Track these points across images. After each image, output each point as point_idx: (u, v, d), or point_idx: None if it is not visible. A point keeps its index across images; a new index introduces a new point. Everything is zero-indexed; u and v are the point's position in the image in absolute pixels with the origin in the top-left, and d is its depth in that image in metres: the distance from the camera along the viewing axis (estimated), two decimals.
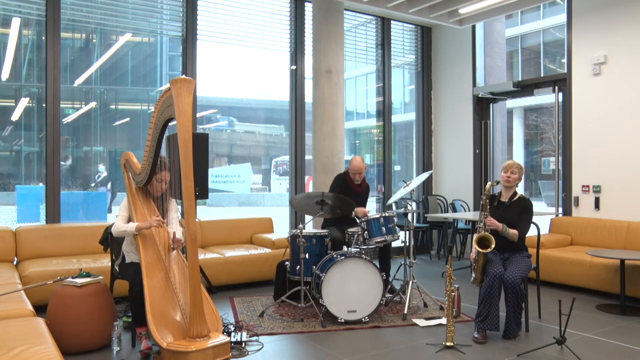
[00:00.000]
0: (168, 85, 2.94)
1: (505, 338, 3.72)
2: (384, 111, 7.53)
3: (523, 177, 4.05)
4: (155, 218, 3.42)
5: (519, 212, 3.91)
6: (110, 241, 3.79)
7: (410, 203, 4.73)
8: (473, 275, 3.87)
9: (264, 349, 3.53)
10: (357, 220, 4.64)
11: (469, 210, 7.17)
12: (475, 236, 3.78)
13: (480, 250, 3.70)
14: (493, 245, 3.67)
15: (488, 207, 3.85)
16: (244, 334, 3.68)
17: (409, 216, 4.59)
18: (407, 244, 4.64)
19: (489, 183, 3.88)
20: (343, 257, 4.13)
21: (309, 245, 4.46)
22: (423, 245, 7.74)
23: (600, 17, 5.75)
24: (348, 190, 4.90)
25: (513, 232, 3.85)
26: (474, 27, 7.29)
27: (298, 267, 4.38)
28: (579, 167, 5.97)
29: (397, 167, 8.28)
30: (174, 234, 3.47)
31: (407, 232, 4.64)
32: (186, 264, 3.08)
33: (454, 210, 7.23)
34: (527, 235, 3.99)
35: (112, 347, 3.41)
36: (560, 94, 6.31)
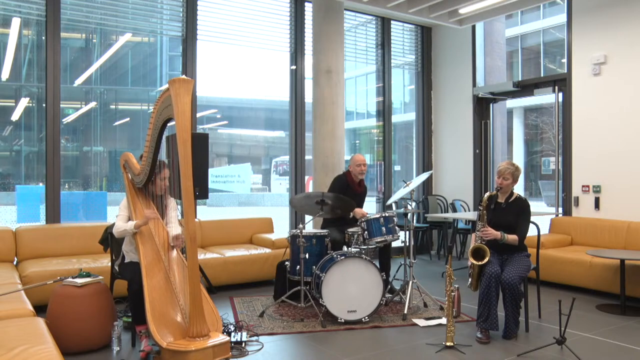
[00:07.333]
0: (167, 85, 2.93)
1: (505, 338, 3.72)
2: (384, 111, 7.53)
3: (523, 177, 4.02)
4: (149, 211, 3.42)
5: (516, 214, 3.87)
6: (110, 241, 3.79)
7: (410, 203, 4.73)
8: (470, 280, 3.87)
9: (264, 349, 3.53)
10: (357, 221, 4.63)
11: (469, 210, 7.17)
12: (470, 249, 3.75)
13: (475, 262, 3.68)
14: (488, 257, 3.65)
15: (485, 217, 3.80)
16: (244, 334, 3.68)
17: (409, 216, 4.59)
18: (407, 244, 4.64)
19: (487, 194, 3.83)
20: (343, 257, 4.13)
21: (309, 245, 4.45)
22: (423, 245, 7.74)
23: (600, 17, 5.75)
24: (349, 191, 4.88)
25: (512, 237, 3.80)
26: (474, 27, 7.29)
27: (298, 267, 4.38)
28: (579, 167, 5.97)
29: (397, 167, 8.28)
30: (170, 235, 3.46)
31: (407, 232, 4.63)
32: (186, 264, 3.08)
33: (454, 210, 7.23)
34: (527, 235, 3.96)
35: (112, 347, 3.42)
36: (560, 94, 6.31)
